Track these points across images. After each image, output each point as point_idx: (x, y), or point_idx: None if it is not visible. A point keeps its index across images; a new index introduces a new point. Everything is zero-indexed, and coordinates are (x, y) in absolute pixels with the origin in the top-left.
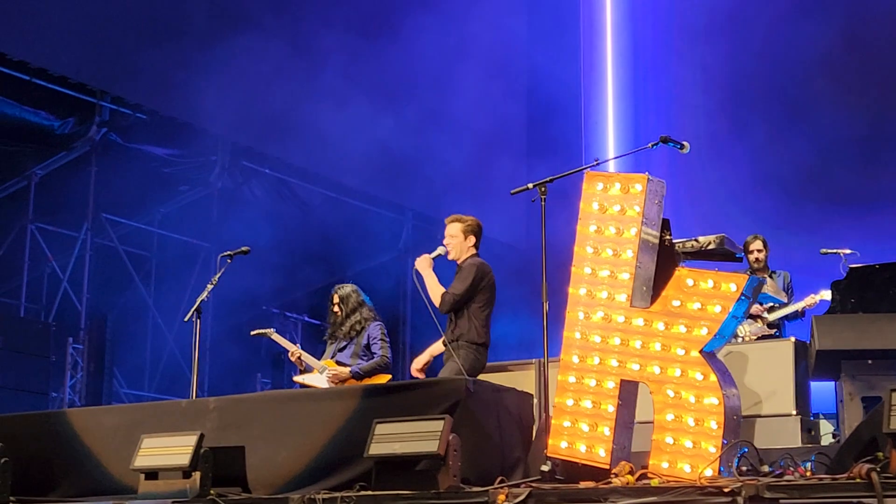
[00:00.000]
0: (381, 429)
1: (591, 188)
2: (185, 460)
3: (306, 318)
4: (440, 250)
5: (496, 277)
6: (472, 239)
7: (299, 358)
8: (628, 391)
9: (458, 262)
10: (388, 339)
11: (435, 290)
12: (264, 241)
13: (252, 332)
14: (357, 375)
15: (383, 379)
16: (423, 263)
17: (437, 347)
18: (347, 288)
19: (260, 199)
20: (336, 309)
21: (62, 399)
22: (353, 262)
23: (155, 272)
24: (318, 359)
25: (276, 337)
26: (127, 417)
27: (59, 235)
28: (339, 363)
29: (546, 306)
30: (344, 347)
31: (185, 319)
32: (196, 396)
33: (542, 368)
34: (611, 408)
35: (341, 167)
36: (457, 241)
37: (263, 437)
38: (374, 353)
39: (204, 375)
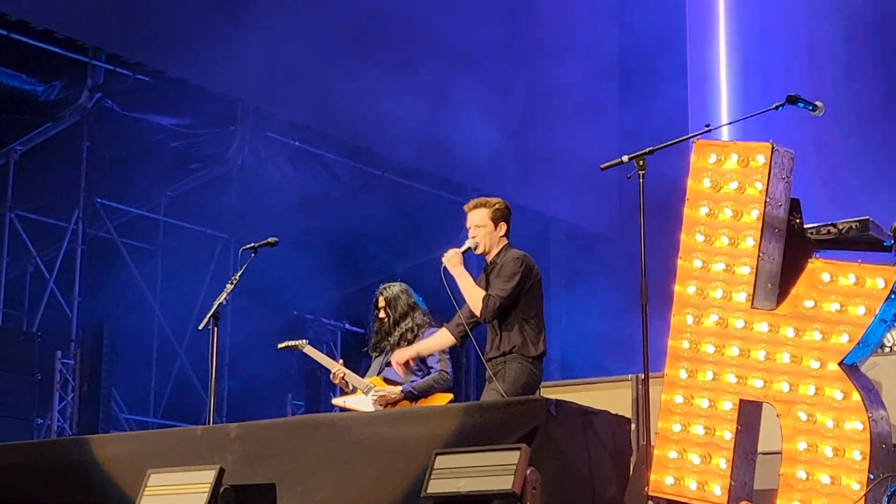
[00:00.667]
0: (442, 461)
1: (701, 161)
2: (201, 501)
3: (347, 326)
4: (468, 244)
5: (585, 271)
6: (503, 226)
7: (343, 378)
8: (750, 414)
9: (488, 255)
10: (447, 350)
11: (473, 293)
12: (295, 230)
13: (280, 345)
14: (410, 395)
15: (443, 399)
16: (454, 260)
17: (428, 346)
18: (395, 288)
19: (289, 178)
20: (382, 314)
21: (49, 426)
22: (403, 255)
23: (161, 270)
24: (362, 376)
25: (310, 350)
26: (130, 447)
27: (44, 226)
28: (387, 381)
29: (646, 309)
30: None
31: (200, 328)
32: (213, 422)
33: (640, 386)
34: (728, 434)
35: (389, 140)
36: (485, 230)
37: (298, 473)
38: (431, 368)
39: (223, 397)
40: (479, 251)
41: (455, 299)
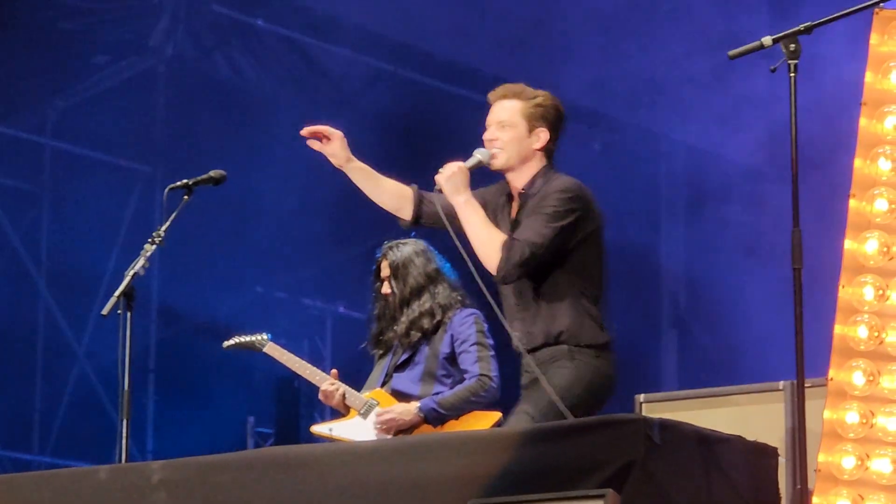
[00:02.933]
0: None
1: (886, 43)
2: None
3: (341, 310)
4: (480, 154)
5: (707, 218)
6: (544, 134)
7: (344, 397)
8: None
9: (514, 178)
10: (490, 342)
11: (484, 234)
12: (258, 159)
13: (227, 344)
14: (434, 416)
15: (485, 421)
16: (457, 179)
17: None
18: (407, 248)
19: (249, 78)
20: (385, 288)
21: None
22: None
23: (48, 223)
24: (359, 389)
25: (275, 350)
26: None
27: None
28: (396, 394)
29: (800, 275)
30: (404, 363)
31: (104, 313)
32: (128, 460)
33: (794, 397)
34: None
35: (402, 17)
36: (512, 134)
37: None
38: (466, 372)
39: (145, 421)
40: (497, 165)
41: (462, 245)
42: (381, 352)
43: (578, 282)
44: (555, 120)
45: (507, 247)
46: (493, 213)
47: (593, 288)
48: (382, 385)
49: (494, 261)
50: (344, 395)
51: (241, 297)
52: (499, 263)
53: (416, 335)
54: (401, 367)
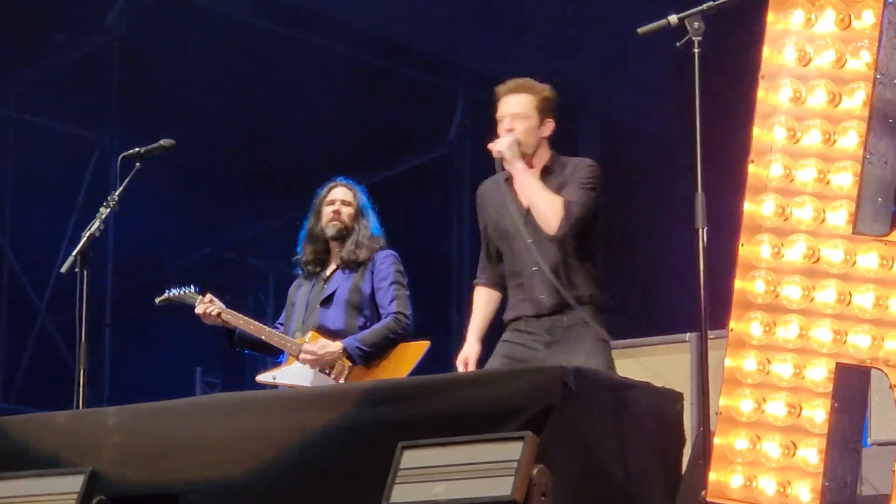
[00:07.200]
0: (411, 458)
1: (781, 21)
2: None
3: (282, 268)
4: (506, 140)
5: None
6: (551, 125)
7: (220, 314)
8: (851, 386)
9: (531, 163)
10: (406, 281)
11: (548, 197)
12: (206, 128)
13: (158, 300)
14: (359, 354)
15: (415, 350)
16: (515, 149)
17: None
18: (356, 189)
19: (197, 53)
20: (335, 209)
21: None
22: (366, 165)
23: (12, 189)
24: (289, 333)
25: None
26: None
27: None
28: (322, 330)
29: (703, 234)
30: (327, 299)
31: (63, 271)
32: (85, 406)
33: (698, 348)
34: (820, 415)
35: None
36: (527, 124)
37: (209, 475)
38: (382, 308)
39: (102, 371)
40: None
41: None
42: (313, 270)
43: (590, 250)
44: (556, 109)
45: (567, 207)
46: (501, 200)
47: (597, 255)
48: (305, 321)
49: (557, 219)
50: (220, 315)
51: (190, 257)
52: (560, 223)
53: (355, 258)
54: (325, 303)
